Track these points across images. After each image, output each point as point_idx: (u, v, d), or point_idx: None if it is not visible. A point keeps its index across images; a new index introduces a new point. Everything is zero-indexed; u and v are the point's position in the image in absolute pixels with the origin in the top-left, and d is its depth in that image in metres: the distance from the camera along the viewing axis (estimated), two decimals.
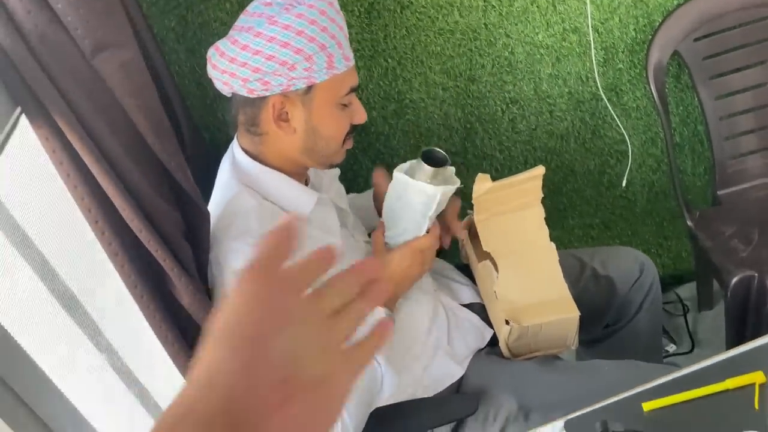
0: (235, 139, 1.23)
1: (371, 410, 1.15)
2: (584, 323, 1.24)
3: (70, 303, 1.02)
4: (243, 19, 1.12)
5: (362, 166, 1.69)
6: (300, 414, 0.41)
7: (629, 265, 1.45)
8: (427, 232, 1.23)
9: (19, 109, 0.88)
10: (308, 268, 0.44)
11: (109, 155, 0.93)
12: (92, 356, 1.08)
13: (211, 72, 1.14)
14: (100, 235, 0.94)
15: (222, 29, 1.44)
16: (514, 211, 1.27)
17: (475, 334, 1.32)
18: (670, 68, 1.69)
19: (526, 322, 1.20)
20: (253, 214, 1.12)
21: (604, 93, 1.69)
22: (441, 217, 1.27)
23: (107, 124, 0.93)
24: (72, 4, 0.87)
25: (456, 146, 1.73)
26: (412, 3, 1.53)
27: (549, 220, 1.28)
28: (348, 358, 0.45)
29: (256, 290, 0.42)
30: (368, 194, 1.46)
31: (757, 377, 0.88)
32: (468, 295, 1.37)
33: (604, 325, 1.49)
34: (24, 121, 0.88)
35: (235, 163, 1.21)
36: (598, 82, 1.68)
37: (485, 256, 1.27)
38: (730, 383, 0.89)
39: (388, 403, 1.18)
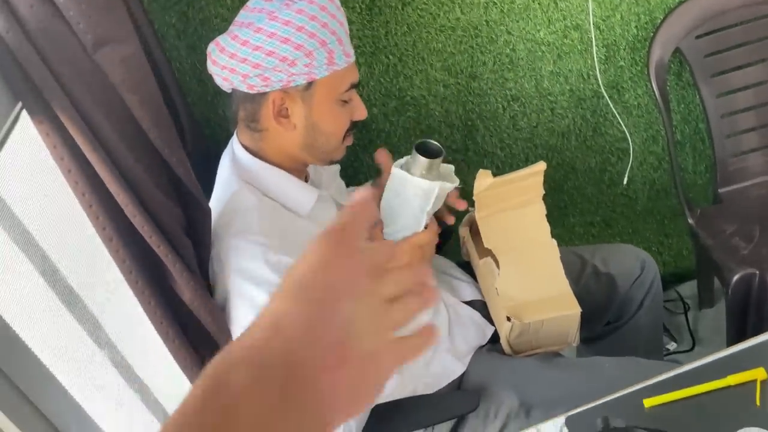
0: (234, 135, 1.23)
1: (372, 407, 1.15)
2: (585, 320, 1.24)
3: (70, 298, 1.02)
4: (243, 15, 1.12)
5: (362, 163, 1.69)
6: (348, 381, 0.43)
7: (630, 262, 1.45)
8: (426, 227, 1.23)
9: (20, 104, 0.88)
10: (381, 251, 0.47)
11: (111, 151, 0.93)
12: (92, 352, 1.08)
13: (211, 68, 1.14)
14: (101, 231, 0.93)
15: (223, 25, 1.43)
16: (515, 208, 1.27)
17: (476, 330, 1.32)
18: (672, 66, 1.69)
19: (528, 319, 1.20)
20: (254, 212, 1.12)
21: (605, 90, 1.69)
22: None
23: (108, 120, 0.93)
24: None
25: (457, 143, 1.73)
26: (413, 0, 1.53)
27: (550, 218, 1.28)
28: (395, 346, 0.46)
29: (332, 255, 0.45)
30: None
31: (758, 374, 0.88)
32: (469, 292, 1.37)
33: (605, 323, 1.49)
34: (25, 116, 0.88)
35: (235, 159, 1.21)
36: (599, 79, 1.67)
37: (486, 252, 1.27)
38: (732, 380, 0.89)
39: (389, 399, 1.18)
